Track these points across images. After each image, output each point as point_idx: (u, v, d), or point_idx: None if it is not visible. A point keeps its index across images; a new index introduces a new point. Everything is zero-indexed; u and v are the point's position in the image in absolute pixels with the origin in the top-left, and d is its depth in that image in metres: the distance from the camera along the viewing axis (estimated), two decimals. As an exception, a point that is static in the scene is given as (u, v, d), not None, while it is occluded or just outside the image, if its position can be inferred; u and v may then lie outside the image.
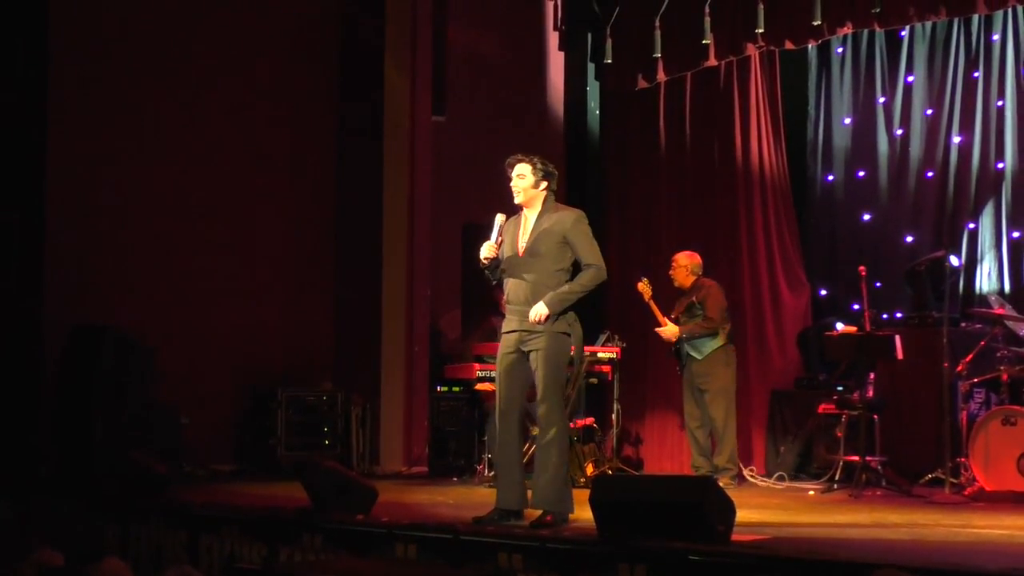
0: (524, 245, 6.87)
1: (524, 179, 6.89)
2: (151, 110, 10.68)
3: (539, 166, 6.91)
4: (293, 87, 11.59)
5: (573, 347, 6.88)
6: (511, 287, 6.91)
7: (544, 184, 6.91)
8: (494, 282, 7.06)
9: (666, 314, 10.06)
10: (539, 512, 6.66)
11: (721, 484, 9.32)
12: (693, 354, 9.93)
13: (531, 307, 6.75)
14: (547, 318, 6.70)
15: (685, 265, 10.04)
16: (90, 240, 10.26)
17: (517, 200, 6.94)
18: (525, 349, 6.79)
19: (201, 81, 11.00)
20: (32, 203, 10.01)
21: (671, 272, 10.09)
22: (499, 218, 6.99)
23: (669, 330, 9.90)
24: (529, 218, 6.93)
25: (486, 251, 6.91)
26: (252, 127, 11.29)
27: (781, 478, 10.01)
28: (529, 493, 6.82)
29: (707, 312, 9.88)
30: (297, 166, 11.57)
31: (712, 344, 9.92)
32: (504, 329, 6.93)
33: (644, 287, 9.95)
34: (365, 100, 11.58)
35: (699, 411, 9.97)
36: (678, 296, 10.11)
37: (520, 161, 6.92)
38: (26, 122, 10.04)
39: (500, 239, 6.96)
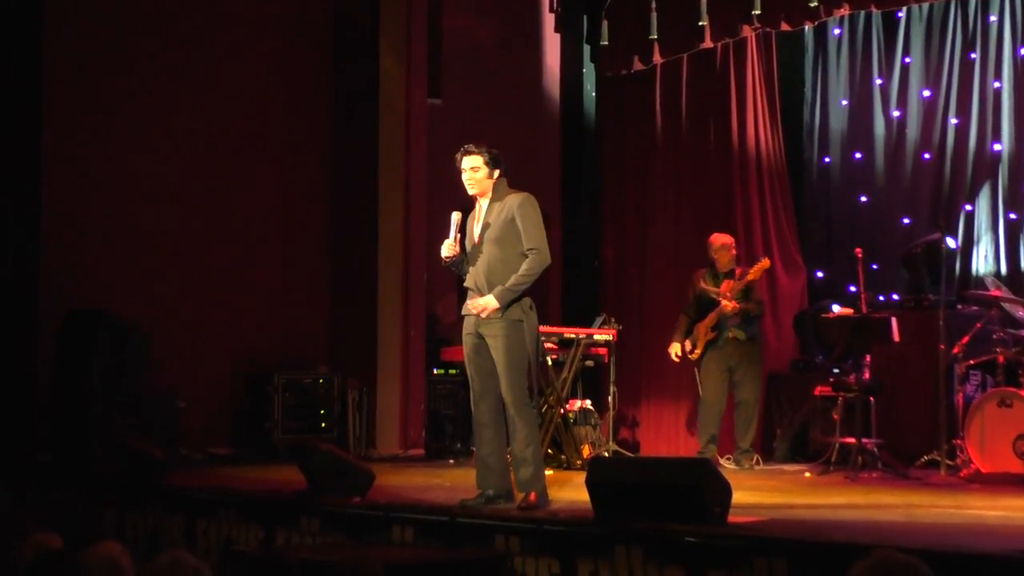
0: (479, 234, 6.87)
1: (478, 171, 6.86)
2: (146, 96, 10.66)
3: (489, 155, 6.87)
4: (288, 71, 11.56)
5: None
6: (471, 274, 6.92)
7: (496, 172, 6.89)
8: (462, 276, 7.03)
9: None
10: (522, 495, 6.70)
11: (747, 466, 9.56)
12: (738, 335, 9.86)
13: (486, 293, 6.76)
14: (494, 311, 6.70)
15: (730, 247, 9.99)
16: (85, 226, 10.24)
17: (471, 192, 6.92)
18: (482, 332, 6.80)
19: (196, 68, 10.97)
20: (27, 189, 9.99)
21: (714, 254, 9.94)
22: (455, 216, 6.96)
23: (730, 304, 9.80)
24: (483, 206, 6.93)
25: (446, 250, 6.90)
26: (247, 112, 11.26)
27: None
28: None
29: (758, 296, 9.92)
30: (292, 151, 11.55)
31: (754, 328, 9.93)
32: (464, 311, 6.95)
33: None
34: (360, 83, 11.56)
35: (720, 394, 9.84)
36: (713, 279, 9.97)
37: (470, 154, 6.87)
38: (20, 108, 10.02)
39: (459, 235, 6.95)
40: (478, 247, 6.87)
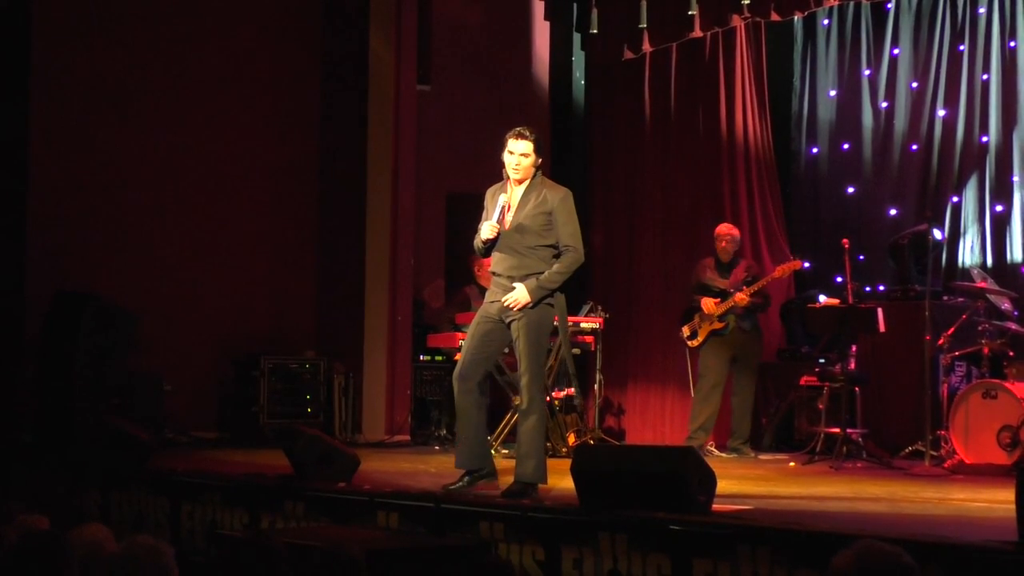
0: (512, 220, 6.84)
1: (528, 158, 6.81)
2: (134, 79, 10.64)
3: (538, 142, 6.85)
4: (277, 57, 11.54)
5: (556, 317, 6.87)
6: (497, 259, 6.87)
7: (540, 160, 6.89)
8: (482, 257, 7.01)
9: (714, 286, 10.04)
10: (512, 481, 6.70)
11: (753, 455, 9.67)
12: (744, 326, 9.94)
13: (514, 281, 6.73)
14: (525, 306, 6.69)
15: (737, 239, 10.07)
16: (73, 208, 10.23)
17: (516, 176, 6.83)
18: (507, 319, 6.77)
19: (184, 51, 10.95)
20: (15, 169, 9.97)
21: (723, 245, 10.03)
22: (503, 197, 6.89)
23: (747, 298, 9.84)
24: (516, 192, 6.88)
25: (490, 232, 6.82)
26: (235, 95, 11.24)
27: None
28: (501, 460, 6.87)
29: (767, 290, 10.01)
30: (281, 136, 11.53)
31: (756, 318, 10.02)
32: (488, 298, 6.91)
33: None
34: (349, 69, 11.53)
35: (722, 383, 9.92)
36: (719, 270, 10.03)
37: (524, 138, 6.80)
38: (8, 89, 9.99)
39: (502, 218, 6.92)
40: (508, 233, 6.81)
